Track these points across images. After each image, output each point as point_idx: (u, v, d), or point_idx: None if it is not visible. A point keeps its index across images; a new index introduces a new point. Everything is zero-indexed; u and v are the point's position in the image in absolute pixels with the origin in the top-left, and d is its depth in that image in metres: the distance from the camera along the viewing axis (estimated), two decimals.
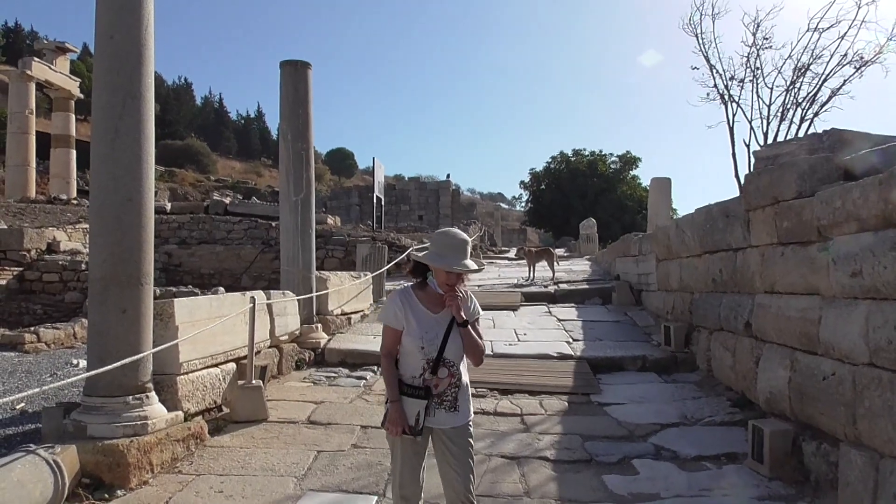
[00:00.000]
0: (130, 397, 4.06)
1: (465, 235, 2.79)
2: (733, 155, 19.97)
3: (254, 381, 5.25)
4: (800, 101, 19.27)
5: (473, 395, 3.79)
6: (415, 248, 15.29)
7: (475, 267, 2.77)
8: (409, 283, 2.88)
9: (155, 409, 4.20)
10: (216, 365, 5.29)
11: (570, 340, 8.31)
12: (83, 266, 12.08)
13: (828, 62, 18.97)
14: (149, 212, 4.32)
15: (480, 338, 2.78)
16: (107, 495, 3.62)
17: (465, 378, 2.81)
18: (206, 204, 19.19)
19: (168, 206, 19.00)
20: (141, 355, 4.04)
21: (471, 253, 2.82)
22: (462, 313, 2.69)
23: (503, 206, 79.84)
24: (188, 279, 14.61)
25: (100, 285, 4.14)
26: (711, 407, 5.78)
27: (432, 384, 2.70)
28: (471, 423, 2.83)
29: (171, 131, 54.32)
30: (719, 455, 4.65)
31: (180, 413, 4.50)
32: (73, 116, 27.17)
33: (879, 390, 3.39)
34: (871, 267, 3.49)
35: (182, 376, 4.76)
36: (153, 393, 4.26)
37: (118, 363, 3.74)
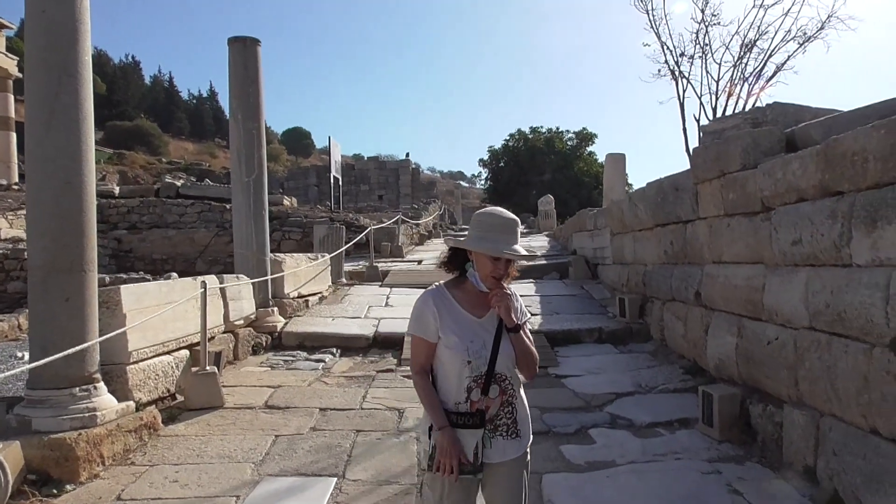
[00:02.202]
0: (77, 389, 3.95)
1: (511, 215, 2.25)
2: (684, 130, 20.48)
3: (208, 368, 5.16)
4: (747, 76, 19.83)
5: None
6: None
7: (528, 253, 2.25)
8: (441, 281, 2.32)
9: (104, 399, 4.10)
10: (168, 352, 5.18)
11: (528, 315, 8.40)
12: (27, 254, 11.64)
13: (773, 38, 19.55)
14: (90, 196, 4.18)
15: (532, 344, 2.28)
16: (55, 490, 3.52)
17: (522, 392, 2.29)
18: (157, 187, 18.66)
19: (116, 190, 18.41)
20: (86, 345, 3.92)
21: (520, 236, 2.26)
22: (513, 315, 2.19)
23: (463, 184, 79.74)
24: (140, 265, 14.22)
25: (40, 273, 3.99)
26: (665, 375, 5.93)
27: (483, 407, 2.15)
28: (529, 449, 2.29)
29: (118, 112, 52.40)
30: (672, 421, 4.79)
31: (131, 403, 4.40)
32: (12, 97, 25.97)
33: (819, 352, 3.53)
34: (809, 235, 3.60)
35: (132, 365, 4.65)
36: (101, 383, 4.15)
37: (62, 354, 3.63)
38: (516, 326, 2.19)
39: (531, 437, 2.30)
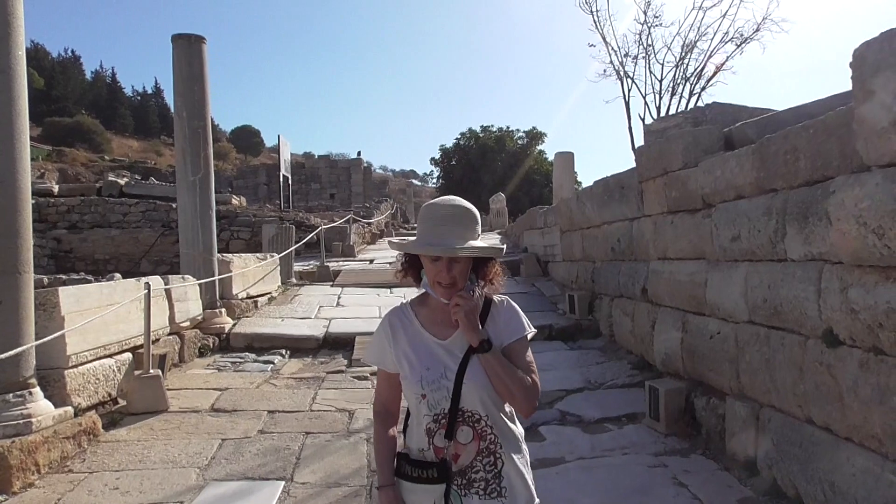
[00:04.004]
0: (11, 395, 3.79)
1: (461, 203, 1.73)
2: (629, 128, 20.98)
3: (151, 371, 5.00)
4: (688, 76, 20.53)
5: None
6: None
7: (477, 245, 1.69)
8: (409, 298, 1.89)
9: (40, 405, 3.94)
10: (110, 356, 5.00)
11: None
12: None
13: (712, 39, 20.29)
14: (25, 195, 4.02)
15: (532, 371, 1.73)
16: None
17: (517, 431, 1.75)
18: (100, 185, 18.05)
19: (55, 188, 17.73)
20: (20, 349, 3.76)
21: (478, 230, 1.73)
22: (475, 332, 1.67)
23: (416, 182, 79.46)
24: (81, 266, 13.71)
25: None
26: (613, 371, 6.03)
27: (449, 455, 1.67)
28: None
29: (58, 108, 50.54)
30: (620, 416, 4.87)
31: (70, 409, 4.24)
32: None
33: (758, 345, 3.65)
34: (747, 231, 3.72)
35: (70, 369, 4.47)
36: (37, 389, 3.99)
37: None
38: (482, 344, 1.66)
39: (533, 496, 1.73)
